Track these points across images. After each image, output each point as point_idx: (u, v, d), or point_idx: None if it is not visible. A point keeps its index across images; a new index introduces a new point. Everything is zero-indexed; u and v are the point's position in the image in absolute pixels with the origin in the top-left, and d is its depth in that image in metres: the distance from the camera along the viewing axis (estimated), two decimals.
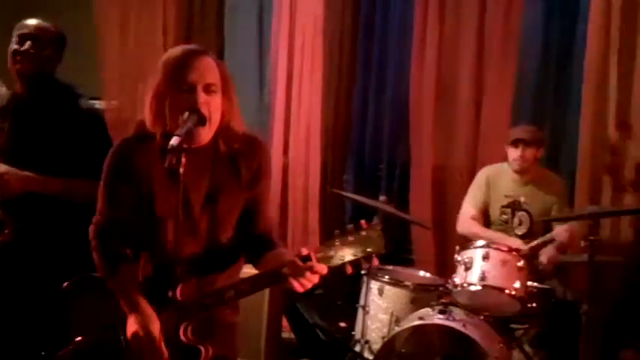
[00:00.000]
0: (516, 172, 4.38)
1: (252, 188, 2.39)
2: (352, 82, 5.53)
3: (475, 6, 4.91)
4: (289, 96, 5.41)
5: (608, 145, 4.57)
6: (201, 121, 2.20)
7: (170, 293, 2.22)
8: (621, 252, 4.47)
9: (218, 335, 2.36)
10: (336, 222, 5.35)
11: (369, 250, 2.14)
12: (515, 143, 4.32)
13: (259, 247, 2.40)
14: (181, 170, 2.10)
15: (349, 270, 2.16)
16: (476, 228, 4.39)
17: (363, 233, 2.14)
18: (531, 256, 3.99)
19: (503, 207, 4.41)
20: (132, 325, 2.28)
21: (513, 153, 4.34)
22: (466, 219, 4.48)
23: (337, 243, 2.14)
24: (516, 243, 4.13)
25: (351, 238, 2.14)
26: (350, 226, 2.16)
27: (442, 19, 5.02)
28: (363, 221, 2.16)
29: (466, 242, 4.06)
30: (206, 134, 2.26)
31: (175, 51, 2.32)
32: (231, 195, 2.36)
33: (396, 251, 5.02)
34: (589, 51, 4.58)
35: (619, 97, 4.52)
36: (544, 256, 4.09)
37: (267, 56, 5.65)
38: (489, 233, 4.32)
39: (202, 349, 2.28)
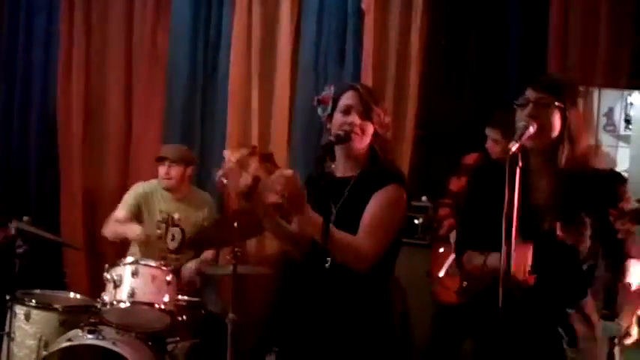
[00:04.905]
0: (166, 189, 4.50)
1: None
2: None
3: (122, 28, 4.99)
4: None
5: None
6: None
7: None
8: (267, 264, 4.79)
9: None
10: None
11: None
12: (161, 160, 4.44)
13: None
14: None
15: None
16: (115, 226, 4.44)
17: None
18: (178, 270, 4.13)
19: (158, 222, 4.50)
20: None
21: (161, 170, 4.46)
22: (111, 220, 4.50)
23: None
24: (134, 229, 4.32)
25: None
26: None
27: (89, 41, 5.00)
28: None
29: (117, 260, 4.06)
30: None
31: None
32: None
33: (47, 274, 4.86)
34: (232, 74, 4.88)
35: (260, 119, 4.88)
36: (184, 271, 4.26)
37: None
38: (124, 227, 4.40)
39: None
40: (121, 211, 4.51)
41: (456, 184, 4.25)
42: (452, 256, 4.02)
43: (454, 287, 3.96)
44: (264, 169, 2.46)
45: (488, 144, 4.03)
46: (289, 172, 2.46)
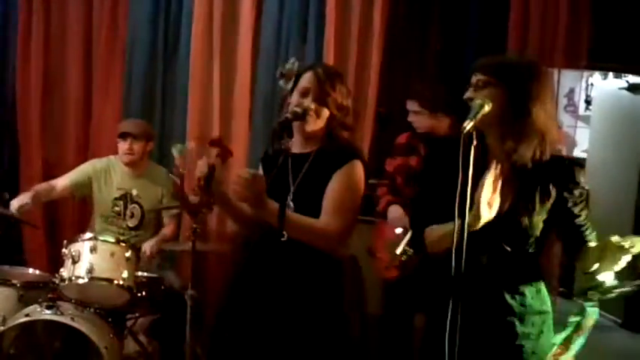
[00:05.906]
0: (126, 164, 4.47)
1: None
2: None
3: (81, 4, 4.90)
4: None
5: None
6: None
7: None
8: (227, 241, 4.79)
9: None
10: None
11: None
12: (123, 136, 4.41)
13: None
14: None
15: None
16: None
17: None
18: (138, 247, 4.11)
19: (115, 199, 4.48)
20: None
21: (122, 146, 4.43)
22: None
23: None
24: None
25: None
26: None
27: (48, 16, 4.92)
28: None
29: (76, 236, 4.03)
30: None
31: None
32: None
33: (6, 250, 4.81)
34: (194, 51, 4.84)
35: (222, 95, 4.85)
36: (146, 246, 4.25)
37: None
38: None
39: None
40: (66, 180, 4.48)
41: (391, 164, 4.28)
42: (409, 235, 4.03)
43: (389, 262, 4.01)
44: (219, 158, 2.60)
45: (410, 117, 4.06)
46: (247, 173, 2.56)
